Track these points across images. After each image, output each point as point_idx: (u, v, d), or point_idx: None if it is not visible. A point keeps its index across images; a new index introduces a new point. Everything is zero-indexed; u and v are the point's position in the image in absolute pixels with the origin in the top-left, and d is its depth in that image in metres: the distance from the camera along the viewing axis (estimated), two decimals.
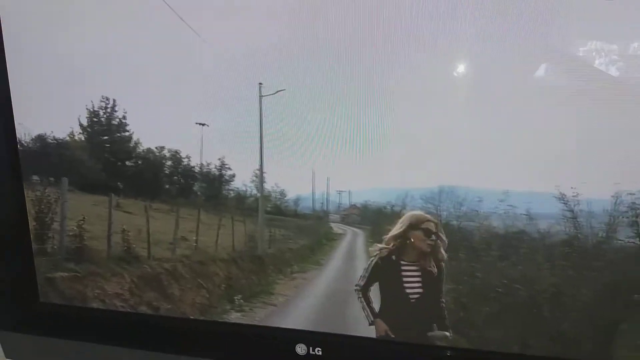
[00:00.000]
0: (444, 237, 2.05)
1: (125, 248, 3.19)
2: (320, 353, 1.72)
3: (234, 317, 3.21)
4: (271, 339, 1.80)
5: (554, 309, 2.00)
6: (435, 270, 2.06)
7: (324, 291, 4.64)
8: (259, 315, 3.29)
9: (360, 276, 2.17)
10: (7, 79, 1.98)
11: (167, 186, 6.33)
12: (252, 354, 1.82)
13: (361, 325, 3.25)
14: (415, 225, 2.08)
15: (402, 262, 2.11)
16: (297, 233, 6.87)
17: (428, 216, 2.08)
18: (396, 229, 2.12)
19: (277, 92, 2.40)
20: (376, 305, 2.24)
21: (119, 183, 3.84)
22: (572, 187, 1.89)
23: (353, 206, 7.54)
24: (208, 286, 3.63)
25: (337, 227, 7.27)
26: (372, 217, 7.06)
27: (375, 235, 6.50)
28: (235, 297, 3.58)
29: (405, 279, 2.10)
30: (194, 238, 4.00)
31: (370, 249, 2.23)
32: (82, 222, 2.78)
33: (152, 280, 3.06)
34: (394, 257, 2.12)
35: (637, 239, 1.87)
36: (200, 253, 3.90)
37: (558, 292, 2.01)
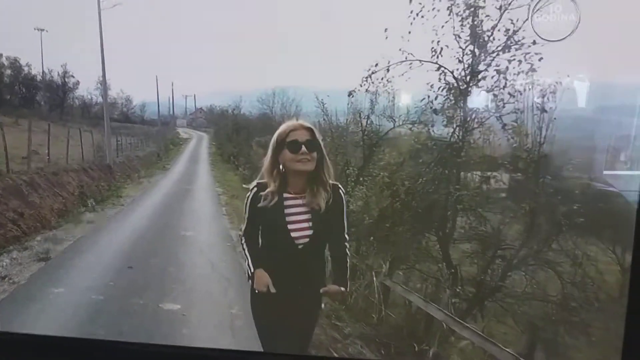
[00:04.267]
0: (320, 145, 1.56)
1: None
2: None
3: (88, 217, 4.22)
4: None
5: None
6: (322, 203, 1.57)
7: (167, 191, 5.75)
8: (109, 214, 4.33)
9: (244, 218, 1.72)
10: None
11: (8, 97, 6.95)
12: None
13: (199, 217, 4.39)
14: (280, 143, 1.58)
15: (286, 196, 1.60)
16: (144, 140, 7.76)
17: (295, 123, 1.60)
18: (266, 158, 1.60)
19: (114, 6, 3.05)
20: None
21: None
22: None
23: (199, 110, 8.65)
24: (63, 194, 4.56)
25: (183, 132, 8.39)
26: (217, 120, 8.23)
27: (217, 138, 7.63)
28: (88, 201, 4.55)
29: (289, 219, 1.58)
30: (46, 151, 4.82)
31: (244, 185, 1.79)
32: None
33: (15, 191, 3.93)
34: (275, 191, 1.60)
35: (360, 132, 3.31)
36: (53, 165, 4.75)
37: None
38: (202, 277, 2.91)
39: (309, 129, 1.53)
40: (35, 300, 2.52)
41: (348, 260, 1.65)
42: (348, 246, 1.67)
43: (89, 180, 4.98)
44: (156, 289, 2.69)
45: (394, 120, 3.08)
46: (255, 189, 1.57)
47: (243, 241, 1.66)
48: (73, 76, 6.54)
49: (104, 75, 4.82)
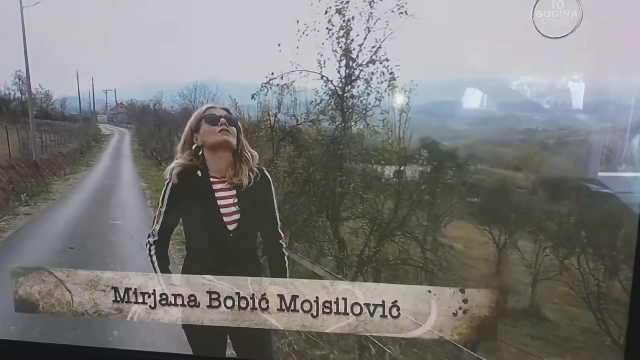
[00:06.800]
0: (238, 124, 1.59)
1: None
2: None
3: (23, 210, 4.76)
4: None
5: None
6: (245, 180, 1.53)
7: (94, 186, 6.30)
8: (42, 207, 4.89)
9: (154, 217, 1.58)
10: None
11: None
12: None
13: (126, 209, 5.01)
14: (198, 119, 1.59)
15: (213, 179, 1.56)
16: (67, 137, 8.21)
17: (211, 104, 1.65)
18: (182, 137, 1.60)
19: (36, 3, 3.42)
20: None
21: None
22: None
23: (120, 105, 9.13)
24: None
25: (105, 128, 8.94)
26: (138, 116, 8.78)
27: (139, 134, 8.21)
28: (22, 195, 5.07)
29: (220, 202, 1.53)
30: None
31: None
32: None
33: None
34: (199, 172, 1.56)
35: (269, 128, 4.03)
36: None
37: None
38: (134, 254, 3.62)
39: (226, 109, 1.63)
40: None
41: (286, 261, 1.61)
42: (284, 245, 1.63)
43: (18, 177, 5.45)
44: (96, 262, 3.41)
45: (297, 118, 3.88)
46: (176, 168, 1.57)
47: (153, 252, 1.55)
48: None
49: (27, 70, 5.16)
